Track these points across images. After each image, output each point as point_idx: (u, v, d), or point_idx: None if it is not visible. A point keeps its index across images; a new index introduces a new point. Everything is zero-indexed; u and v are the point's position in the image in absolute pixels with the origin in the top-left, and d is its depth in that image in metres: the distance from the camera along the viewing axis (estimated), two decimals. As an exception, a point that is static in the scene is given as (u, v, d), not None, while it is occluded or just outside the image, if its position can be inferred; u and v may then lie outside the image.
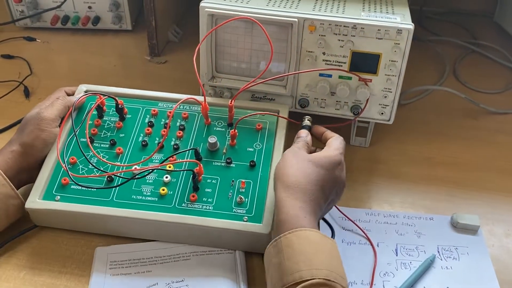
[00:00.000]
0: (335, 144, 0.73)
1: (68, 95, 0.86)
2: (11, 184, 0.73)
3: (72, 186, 0.75)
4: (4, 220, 0.73)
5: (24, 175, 0.77)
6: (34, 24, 1.20)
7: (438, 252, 0.76)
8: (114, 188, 0.74)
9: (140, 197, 0.74)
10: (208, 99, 0.85)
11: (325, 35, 0.81)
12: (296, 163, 0.68)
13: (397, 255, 0.76)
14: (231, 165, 0.78)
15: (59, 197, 0.74)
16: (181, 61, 1.14)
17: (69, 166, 0.76)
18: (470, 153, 0.93)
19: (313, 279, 0.58)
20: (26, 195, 0.75)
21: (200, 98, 0.81)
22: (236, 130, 0.80)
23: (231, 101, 0.81)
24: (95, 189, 0.74)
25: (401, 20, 0.80)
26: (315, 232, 0.62)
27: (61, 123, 0.80)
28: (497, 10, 1.28)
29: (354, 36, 0.80)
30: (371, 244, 0.77)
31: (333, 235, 0.76)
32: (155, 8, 1.08)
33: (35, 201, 0.73)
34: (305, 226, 0.62)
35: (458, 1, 1.31)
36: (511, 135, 0.97)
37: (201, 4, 0.83)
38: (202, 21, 0.83)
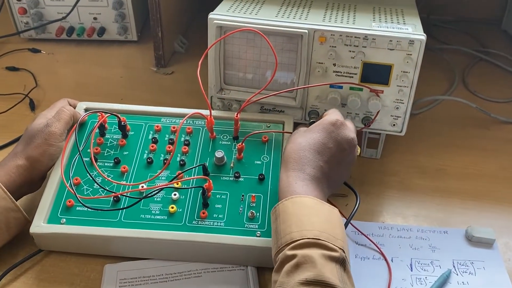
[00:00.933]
0: (329, 112, 0.76)
1: (70, 105, 0.85)
2: (12, 197, 0.71)
3: (78, 208, 0.72)
4: (5, 233, 0.71)
5: (26, 188, 0.76)
6: (39, 36, 1.19)
7: (454, 266, 0.74)
8: (122, 210, 0.72)
9: (149, 216, 0.72)
10: (213, 112, 0.83)
11: (335, 46, 0.80)
12: (293, 139, 0.72)
13: (412, 270, 0.74)
14: (240, 179, 0.76)
15: (64, 220, 0.72)
16: (187, 72, 1.12)
17: (73, 187, 0.73)
18: (484, 163, 0.91)
19: (303, 239, 0.59)
20: (25, 207, 0.74)
21: (205, 112, 0.80)
22: (243, 144, 0.78)
23: (237, 114, 0.80)
24: (102, 211, 0.71)
25: (413, 30, 0.78)
26: (311, 198, 0.64)
27: (66, 136, 0.78)
28: (505, 18, 1.27)
29: (365, 47, 0.78)
30: (385, 259, 0.75)
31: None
32: (161, 19, 1.06)
33: (40, 225, 0.71)
34: (299, 191, 0.64)
35: (465, 9, 1.30)
36: (523, 145, 0.95)
37: (210, 16, 0.82)
38: (210, 33, 0.82)
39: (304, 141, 0.70)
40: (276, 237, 0.62)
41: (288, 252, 0.58)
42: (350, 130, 0.73)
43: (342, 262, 0.59)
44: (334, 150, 0.70)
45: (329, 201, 0.71)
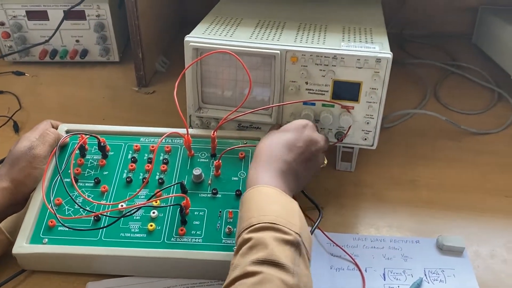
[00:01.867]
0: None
1: (53, 127, 0.86)
2: None
3: (60, 228, 0.74)
4: None
5: (10, 210, 0.76)
6: (23, 59, 1.21)
7: (425, 275, 0.76)
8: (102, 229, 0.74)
9: (129, 234, 0.73)
10: (191, 130, 0.85)
11: (307, 66, 0.82)
12: (265, 138, 0.77)
13: (385, 280, 0.76)
14: (217, 195, 0.78)
15: (46, 239, 0.73)
16: (168, 91, 1.14)
17: (55, 207, 0.75)
18: (454, 174, 0.93)
19: (260, 223, 0.61)
20: (8, 228, 0.75)
21: (182, 131, 0.82)
22: (220, 161, 0.80)
23: (213, 132, 0.82)
24: (83, 230, 0.73)
25: (380, 49, 0.81)
26: (273, 188, 0.67)
27: None
28: (475, 32, 1.31)
29: (335, 66, 0.81)
30: (359, 270, 0.77)
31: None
32: (141, 40, 1.09)
33: (23, 246, 0.72)
34: (265, 182, 0.68)
35: (437, 24, 1.34)
36: (493, 156, 0.98)
37: (186, 38, 0.84)
38: (187, 55, 0.84)
39: (275, 139, 0.75)
40: (239, 223, 0.66)
41: (245, 235, 0.61)
42: (318, 135, 0.78)
43: (297, 246, 0.61)
44: (303, 148, 0.75)
45: (306, 216, 0.73)
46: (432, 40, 1.33)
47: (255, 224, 0.62)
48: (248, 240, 0.60)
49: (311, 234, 0.73)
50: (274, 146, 0.74)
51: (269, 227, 0.61)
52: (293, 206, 0.67)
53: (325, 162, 0.81)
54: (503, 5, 1.27)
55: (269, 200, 0.66)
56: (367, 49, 0.81)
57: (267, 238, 0.59)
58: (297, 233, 0.61)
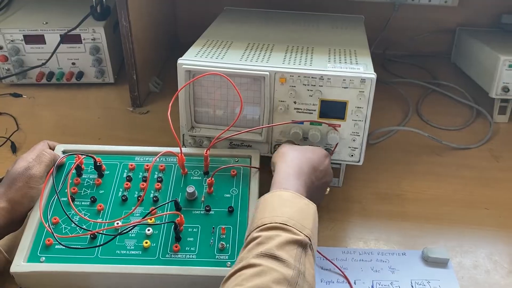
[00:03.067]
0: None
1: (50, 147, 0.85)
2: None
3: (57, 246, 0.73)
4: None
5: (8, 229, 0.75)
6: (20, 81, 1.20)
7: (412, 286, 0.76)
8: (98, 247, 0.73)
9: (124, 251, 0.73)
10: (184, 149, 0.85)
11: (295, 86, 0.83)
12: (293, 149, 0.78)
13: (373, 292, 0.76)
14: (210, 212, 0.78)
15: (44, 258, 0.72)
16: (162, 111, 1.14)
17: (52, 226, 0.74)
18: (437, 188, 0.94)
19: (271, 223, 0.62)
20: (6, 247, 0.74)
21: (176, 150, 0.82)
22: (212, 178, 0.80)
23: (206, 151, 0.82)
24: (79, 248, 0.72)
25: (364, 70, 0.82)
26: (290, 192, 0.68)
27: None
28: (453, 52, 1.33)
29: (322, 86, 0.82)
30: (349, 282, 0.77)
31: None
32: (135, 63, 1.09)
33: (20, 264, 0.71)
34: (292, 188, 0.69)
35: (417, 44, 1.36)
36: (473, 169, 0.99)
37: (179, 61, 0.84)
38: (180, 77, 0.85)
39: (303, 154, 0.77)
40: (251, 222, 0.66)
41: (254, 233, 0.62)
42: (332, 171, 0.81)
43: (304, 246, 0.61)
44: (321, 175, 0.77)
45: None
46: (413, 59, 1.35)
47: (267, 224, 0.62)
48: (257, 237, 0.61)
49: None
50: (304, 162, 0.75)
51: (280, 227, 0.62)
52: (310, 209, 0.67)
53: (327, 191, 0.84)
54: (479, 26, 1.30)
55: (285, 203, 0.66)
56: (352, 70, 0.82)
57: (274, 236, 0.60)
58: (306, 236, 0.62)
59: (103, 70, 1.20)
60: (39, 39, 1.15)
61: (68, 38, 1.14)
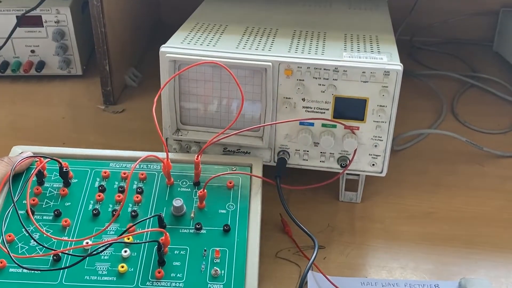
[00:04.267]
0: None
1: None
2: None
3: (11, 269, 0.73)
4: None
5: None
6: (-32, 73, 1.21)
7: (447, 325, 0.77)
8: (62, 269, 0.73)
9: (95, 277, 0.73)
10: (171, 155, 0.85)
11: (303, 80, 0.83)
12: None
13: (400, 332, 0.76)
14: (202, 231, 0.78)
15: None
16: (140, 109, 1.15)
17: (6, 244, 0.74)
18: (477, 205, 0.94)
19: None
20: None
21: (161, 155, 0.82)
22: (205, 190, 0.81)
23: (197, 156, 0.82)
24: (39, 272, 0.72)
25: (388, 60, 0.83)
26: None
27: None
28: (496, 39, 1.34)
29: (336, 79, 0.82)
30: (369, 320, 0.77)
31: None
32: (108, 51, 1.10)
33: None
34: None
35: (452, 29, 1.37)
36: (522, 182, 0.99)
37: (161, 49, 0.85)
38: (163, 68, 0.85)
39: None
40: None
41: None
42: None
43: None
44: None
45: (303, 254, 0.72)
46: (447, 47, 1.36)
47: None
48: None
49: (306, 273, 0.72)
50: None
51: None
52: None
53: None
54: (528, 8, 1.31)
55: None
56: (373, 60, 0.82)
57: None
58: None
59: (69, 59, 1.21)
60: (-10, 22, 1.16)
61: (27, 21, 1.15)
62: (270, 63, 0.83)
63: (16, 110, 1.15)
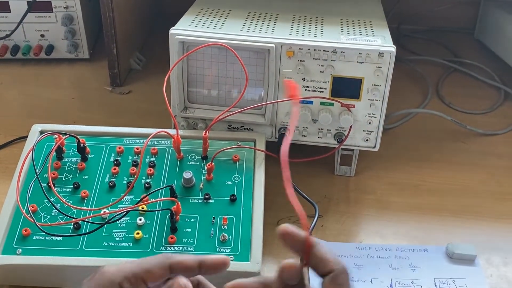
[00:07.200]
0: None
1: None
2: None
3: (35, 237, 0.75)
4: None
5: None
6: (-20, 56, 1.21)
7: (435, 285, 0.80)
8: (82, 236, 0.75)
9: (113, 243, 0.75)
10: (180, 131, 0.87)
11: (304, 60, 0.86)
12: None
13: (392, 291, 0.79)
14: (210, 201, 0.80)
15: (20, 250, 0.74)
16: (145, 91, 1.17)
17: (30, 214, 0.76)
18: (462, 178, 0.98)
19: None
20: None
21: (171, 131, 0.84)
22: (212, 163, 0.83)
23: (205, 132, 0.85)
24: (61, 238, 0.74)
25: (382, 42, 0.86)
26: None
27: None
28: (477, 26, 1.37)
29: (335, 60, 0.85)
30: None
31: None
32: (116, 35, 1.11)
33: None
34: None
35: (436, 18, 1.39)
36: (501, 158, 1.03)
37: (171, 31, 0.87)
38: (172, 49, 0.87)
39: None
40: None
41: None
42: None
43: None
44: None
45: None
46: (432, 34, 1.39)
47: None
48: None
49: (310, 234, 0.74)
50: None
51: None
52: None
53: None
54: (508, -3, 1.34)
55: None
56: (369, 43, 0.85)
57: None
58: None
59: (77, 43, 1.22)
60: (2, 7, 1.16)
61: (37, 6, 1.15)
62: (273, 45, 0.85)
63: (28, 91, 1.16)
